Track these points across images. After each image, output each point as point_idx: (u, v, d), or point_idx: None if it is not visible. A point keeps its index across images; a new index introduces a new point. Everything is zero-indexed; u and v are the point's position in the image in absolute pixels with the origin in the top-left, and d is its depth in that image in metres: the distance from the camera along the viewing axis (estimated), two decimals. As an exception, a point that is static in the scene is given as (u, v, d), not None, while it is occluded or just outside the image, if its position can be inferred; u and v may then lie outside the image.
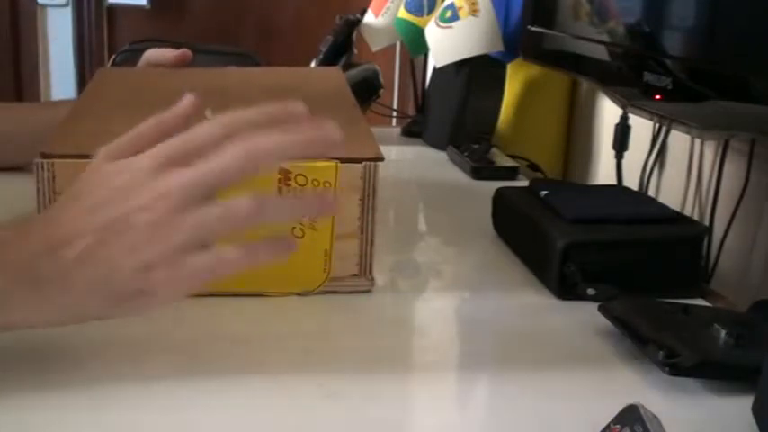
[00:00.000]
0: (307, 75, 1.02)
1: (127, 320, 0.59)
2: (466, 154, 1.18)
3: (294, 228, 0.66)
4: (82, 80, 2.69)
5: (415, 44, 1.36)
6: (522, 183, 1.02)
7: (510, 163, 1.18)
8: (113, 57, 1.16)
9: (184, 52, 0.96)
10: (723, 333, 0.58)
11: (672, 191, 1.05)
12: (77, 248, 0.48)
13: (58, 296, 0.50)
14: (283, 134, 0.49)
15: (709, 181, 0.97)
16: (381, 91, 1.37)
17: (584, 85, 1.32)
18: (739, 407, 0.53)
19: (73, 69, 2.72)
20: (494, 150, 1.21)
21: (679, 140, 1.03)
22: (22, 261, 0.50)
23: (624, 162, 1.06)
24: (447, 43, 1.25)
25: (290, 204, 0.54)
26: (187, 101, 0.52)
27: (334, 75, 0.93)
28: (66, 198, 0.51)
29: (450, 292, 0.76)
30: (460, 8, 1.24)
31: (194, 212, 0.48)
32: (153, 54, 0.97)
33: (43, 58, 2.73)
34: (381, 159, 0.67)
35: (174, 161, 0.49)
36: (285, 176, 0.65)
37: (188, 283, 0.49)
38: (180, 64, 0.95)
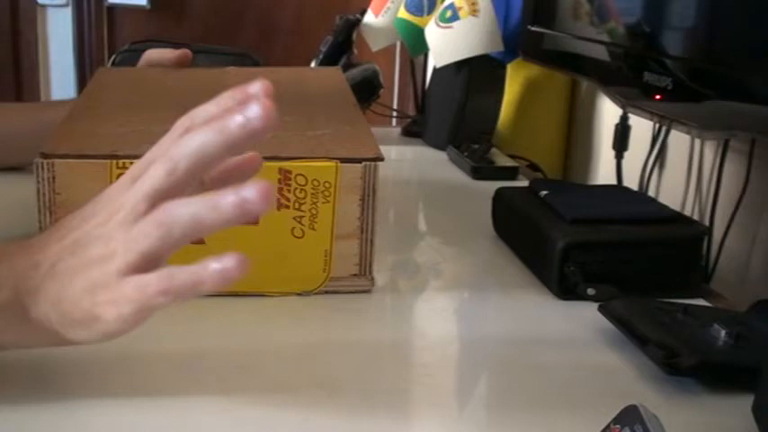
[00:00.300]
0: (307, 75, 1.02)
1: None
2: (466, 154, 1.18)
3: (294, 228, 0.66)
4: (82, 80, 2.69)
5: (415, 44, 1.36)
6: (522, 183, 1.02)
7: (510, 163, 1.18)
8: (113, 57, 1.16)
9: (184, 52, 0.96)
10: (723, 333, 0.58)
11: (672, 191, 1.05)
12: (43, 269, 0.47)
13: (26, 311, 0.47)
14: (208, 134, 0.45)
15: (710, 181, 0.97)
16: (381, 91, 1.37)
17: (584, 85, 1.32)
18: (739, 407, 0.52)
19: (73, 69, 2.72)
20: (494, 150, 1.21)
21: (679, 140, 1.03)
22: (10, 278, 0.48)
23: (624, 162, 1.06)
24: (447, 43, 1.25)
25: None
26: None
27: (334, 75, 0.93)
28: None
29: (450, 292, 0.76)
30: (460, 8, 1.24)
31: (135, 228, 0.44)
32: (153, 54, 0.97)
33: (43, 58, 2.73)
34: (381, 159, 0.67)
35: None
36: (285, 176, 0.65)
37: (133, 304, 0.45)
38: (180, 64, 0.95)
